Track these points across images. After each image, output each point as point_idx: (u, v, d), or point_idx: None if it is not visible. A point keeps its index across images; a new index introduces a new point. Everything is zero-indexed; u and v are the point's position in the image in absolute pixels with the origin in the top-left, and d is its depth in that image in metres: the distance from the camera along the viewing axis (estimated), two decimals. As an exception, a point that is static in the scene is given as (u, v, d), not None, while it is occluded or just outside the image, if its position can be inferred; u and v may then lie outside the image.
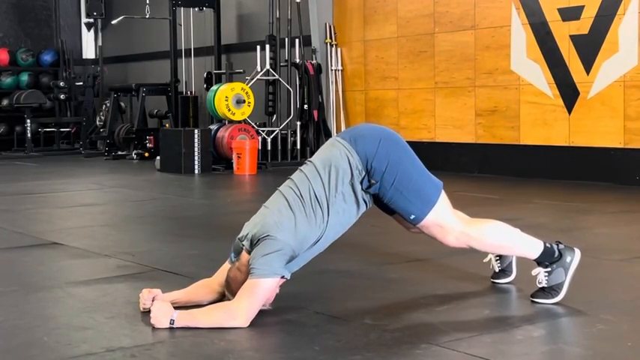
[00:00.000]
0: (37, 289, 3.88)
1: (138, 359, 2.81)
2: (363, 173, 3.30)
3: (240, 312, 3.10)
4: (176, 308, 3.19)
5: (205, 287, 3.44)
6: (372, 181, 3.31)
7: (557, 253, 3.44)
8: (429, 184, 3.40)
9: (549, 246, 3.46)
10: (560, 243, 3.50)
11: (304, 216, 3.24)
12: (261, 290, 3.12)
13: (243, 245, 3.26)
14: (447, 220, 3.38)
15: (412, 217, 3.37)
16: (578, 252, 3.48)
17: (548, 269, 3.43)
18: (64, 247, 5.01)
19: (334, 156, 3.33)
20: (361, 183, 3.32)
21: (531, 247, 3.47)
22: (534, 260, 3.47)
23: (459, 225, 3.40)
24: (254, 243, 3.21)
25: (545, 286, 3.43)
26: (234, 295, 3.25)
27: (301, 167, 3.42)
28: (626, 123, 7.94)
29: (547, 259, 3.44)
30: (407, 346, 2.90)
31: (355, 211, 3.36)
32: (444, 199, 3.39)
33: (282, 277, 3.18)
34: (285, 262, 3.18)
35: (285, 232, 3.20)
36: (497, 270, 3.81)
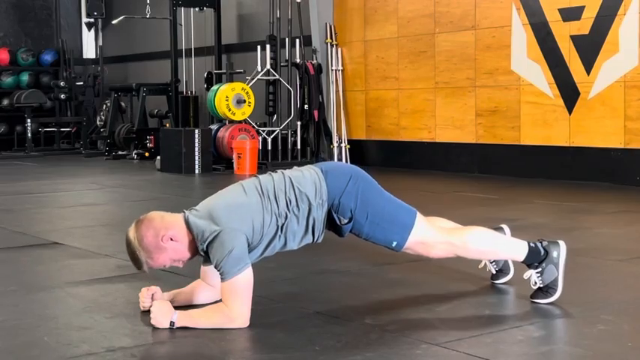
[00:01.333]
0: (37, 289, 3.88)
1: (138, 359, 2.81)
2: (325, 207, 3.31)
3: (235, 315, 3.10)
4: (175, 307, 3.19)
5: (204, 286, 3.44)
6: (343, 220, 3.32)
7: (542, 252, 3.45)
8: (402, 211, 3.41)
9: (534, 245, 3.47)
10: (544, 240, 3.51)
11: (260, 204, 3.24)
12: (242, 287, 3.11)
13: (187, 219, 3.22)
14: (428, 236, 3.40)
15: (394, 244, 3.38)
16: (563, 244, 3.48)
17: (539, 269, 3.44)
18: (64, 246, 5.01)
19: (304, 178, 3.35)
20: (331, 220, 3.32)
21: (516, 249, 3.48)
22: (523, 263, 3.48)
23: (441, 237, 3.42)
24: (204, 238, 3.16)
25: (541, 285, 3.44)
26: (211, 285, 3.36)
27: (271, 172, 3.43)
28: (626, 123, 7.94)
29: (535, 259, 3.44)
30: (407, 346, 2.90)
31: (300, 236, 3.34)
32: (420, 219, 3.40)
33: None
34: (247, 249, 3.16)
35: (236, 219, 3.17)
36: (494, 272, 3.82)
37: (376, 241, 3.40)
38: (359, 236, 3.41)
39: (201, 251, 3.23)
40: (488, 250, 3.54)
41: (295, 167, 3.49)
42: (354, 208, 3.32)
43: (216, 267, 3.14)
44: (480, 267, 3.85)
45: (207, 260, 3.32)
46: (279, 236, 3.29)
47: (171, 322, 3.10)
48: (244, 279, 3.11)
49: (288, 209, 3.27)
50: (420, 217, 3.40)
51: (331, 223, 3.36)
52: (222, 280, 3.11)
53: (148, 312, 3.22)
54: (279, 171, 3.44)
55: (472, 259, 3.64)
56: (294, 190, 3.30)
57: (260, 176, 3.41)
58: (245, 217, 3.20)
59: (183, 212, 3.28)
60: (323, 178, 3.34)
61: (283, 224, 3.27)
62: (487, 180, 8.73)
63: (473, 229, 3.52)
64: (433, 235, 3.41)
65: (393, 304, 3.56)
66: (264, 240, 3.26)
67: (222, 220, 3.17)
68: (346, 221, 3.33)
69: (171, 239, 3.19)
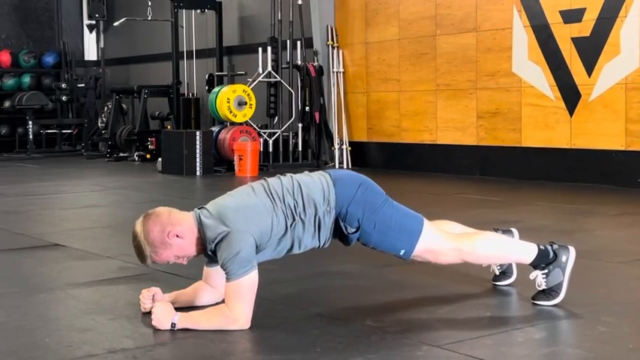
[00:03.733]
0: (38, 291, 3.88)
1: (139, 361, 2.82)
2: (332, 214, 3.31)
3: (236, 316, 3.10)
4: (176, 309, 3.19)
5: (205, 287, 3.45)
6: (350, 229, 3.32)
7: (552, 254, 3.45)
8: (410, 218, 3.41)
9: (543, 248, 3.46)
10: (554, 243, 3.50)
11: (269, 206, 3.24)
12: (246, 288, 3.11)
13: (199, 217, 3.23)
14: (436, 243, 3.39)
15: (402, 252, 3.38)
16: (572, 250, 3.48)
17: (545, 271, 3.44)
18: (65, 248, 5.01)
19: (312, 183, 3.35)
20: (338, 228, 3.32)
21: (525, 252, 3.48)
22: (530, 265, 3.48)
23: (449, 243, 3.41)
24: (213, 237, 3.17)
25: (545, 287, 3.44)
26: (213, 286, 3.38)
27: (280, 175, 3.43)
28: (627, 125, 7.94)
29: (543, 261, 3.44)
30: (408, 348, 2.90)
31: (306, 241, 3.34)
32: (427, 226, 3.40)
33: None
34: (255, 252, 3.17)
35: (245, 221, 3.18)
36: (497, 273, 3.81)
37: (384, 250, 3.40)
38: (366, 245, 3.40)
39: (209, 251, 3.23)
40: (497, 255, 3.54)
41: (306, 172, 3.49)
42: (362, 217, 3.32)
43: (222, 267, 3.15)
44: (483, 266, 3.84)
45: (211, 261, 3.33)
46: (288, 237, 3.28)
47: (172, 323, 3.11)
48: (249, 281, 3.11)
49: (295, 212, 3.27)
50: (427, 225, 3.40)
51: (338, 232, 3.36)
52: (228, 280, 3.12)
53: (149, 313, 3.23)
54: (288, 174, 3.44)
55: (481, 264, 3.63)
56: (302, 194, 3.30)
57: (269, 179, 3.40)
58: (254, 218, 3.20)
59: (194, 211, 3.28)
60: (332, 186, 3.34)
61: (291, 225, 3.27)
62: (488, 182, 8.73)
63: (481, 234, 3.51)
64: (441, 242, 3.40)
65: (394, 305, 3.56)
66: (273, 240, 3.26)
67: (232, 221, 3.17)
68: (353, 230, 3.33)
69: (177, 236, 3.20)
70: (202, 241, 3.23)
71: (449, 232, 3.54)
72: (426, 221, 3.41)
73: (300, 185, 3.33)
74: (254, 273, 3.13)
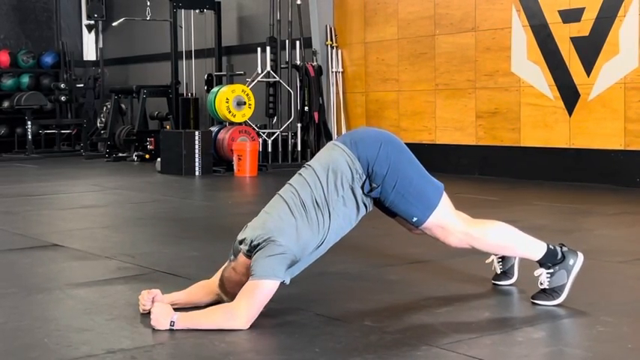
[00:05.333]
0: (37, 291, 3.88)
1: (138, 361, 2.82)
2: (364, 177, 3.31)
3: (240, 313, 3.09)
4: (176, 310, 3.19)
5: (205, 288, 3.44)
6: (374, 185, 3.31)
7: (560, 255, 3.44)
8: (430, 186, 3.40)
9: (552, 248, 3.46)
10: (564, 245, 3.50)
11: (306, 221, 3.24)
12: (262, 292, 3.11)
13: (241, 249, 3.26)
14: (449, 221, 3.38)
15: (414, 219, 3.37)
16: (581, 256, 3.48)
17: (551, 271, 3.43)
18: (64, 248, 5.01)
19: (334, 159, 3.33)
20: (362, 187, 3.32)
21: (534, 248, 3.47)
22: (537, 261, 3.47)
23: (461, 225, 3.40)
24: (254, 246, 3.19)
25: (547, 287, 3.43)
26: (227, 294, 3.28)
27: (300, 171, 3.41)
28: (626, 125, 7.94)
29: (550, 260, 3.44)
30: (407, 348, 2.90)
31: (355, 214, 3.36)
32: (445, 201, 3.39)
33: (282, 281, 3.17)
34: (287, 267, 3.17)
35: (287, 237, 3.19)
36: (498, 272, 3.81)
37: (398, 212, 3.39)
38: (383, 203, 3.37)
39: (246, 252, 3.22)
40: (506, 246, 3.52)
41: (320, 152, 3.45)
42: (386, 175, 3.30)
43: (252, 263, 3.14)
44: (487, 262, 3.84)
45: (236, 256, 3.30)
46: (333, 230, 3.28)
47: (171, 322, 3.10)
48: (267, 286, 3.11)
49: (329, 207, 3.25)
50: (445, 200, 3.39)
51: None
52: (251, 277, 3.12)
53: (148, 314, 3.22)
54: (307, 166, 3.39)
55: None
56: (328, 179, 3.28)
57: (294, 183, 3.35)
58: (293, 235, 3.20)
59: (241, 251, 3.26)
60: (352, 151, 3.31)
61: (329, 225, 3.26)
62: (487, 182, 8.73)
63: (494, 222, 3.51)
64: (454, 222, 3.39)
65: (393, 305, 3.55)
66: (310, 248, 3.26)
67: (276, 235, 3.18)
68: (376, 186, 3.32)
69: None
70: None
71: (463, 216, 3.51)
72: (445, 195, 3.40)
73: (325, 172, 3.29)
74: (275, 283, 3.12)
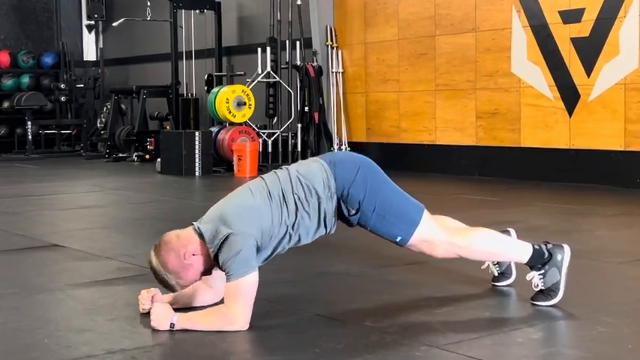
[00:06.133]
0: (37, 292, 3.88)
1: (138, 361, 2.82)
2: (334, 198, 3.31)
3: (235, 316, 3.10)
4: (175, 310, 3.19)
5: (203, 288, 3.45)
6: (351, 210, 3.32)
7: (547, 254, 3.45)
8: (410, 206, 3.41)
9: (538, 247, 3.47)
10: (548, 243, 3.51)
11: (268, 206, 3.24)
12: (246, 289, 3.11)
13: (198, 229, 3.22)
14: (432, 234, 3.39)
15: (399, 239, 3.38)
16: (567, 248, 3.48)
17: (542, 271, 3.44)
18: (64, 249, 5.01)
19: (311, 170, 3.35)
20: (337, 210, 3.32)
21: (520, 251, 3.48)
22: (526, 265, 3.48)
23: (445, 236, 3.41)
24: (215, 241, 3.16)
25: (543, 288, 3.44)
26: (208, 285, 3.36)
27: (276, 170, 3.42)
28: (626, 126, 7.94)
29: (538, 261, 3.45)
30: (407, 349, 2.90)
31: (314, 231, 3.35)
32: (427, 216, 3.40)
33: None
34: (255, 253, 3.17)
35: (246, 223, 3.17)
36: (496, 274, 3.81)
37: (381, 234, 3.40)
38: (365, 227, 3.39)
39: (212, 253, 3.22)
40: (492, 252, 3.54)
41: (300, 161, 3.49)
42: (363, 199, 3.31)
43: (222, 267, 3.14)
44: (482, 268, 3.85)
45: (215, 264, 3.31)
46: (291, 235, 3.29)
47: (171, 323, 3.10)
48: (249, 281, 3.10)
49: (297, 207, 3.27)
50: (426, 215, 3.40)
51: (340, 214, 3.36)
52: (228, 280, 3.11)
53: (147, 314, 3.23)
54: (283, 167, 3.43)
55: (471, 261, 3.64)
56: (301, 185, 3.29)
57: (265, 177, 3.39)
58: (254, 220, 3.20)
59: (192, 225, 3.28)
60: (330, 170, 3.33)
61: (294, 223, 3.27)
62: (487, 182, 8.73)
63: (478, 230, 3.52)
64: (438, 235, 3.40)
65: (393, 306, 3.56)
66: (274, 241, 3.26)
67: (232, 223, 3.17)
68: (354, 212, 3.33)
69: (193, 254, 3.19)
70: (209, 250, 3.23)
71: (448, 226, 3.54)
72: (425, 211, 3.41)
73: (298, 177, 3.32)
74: (254, 274, 3.13)
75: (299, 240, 3.34)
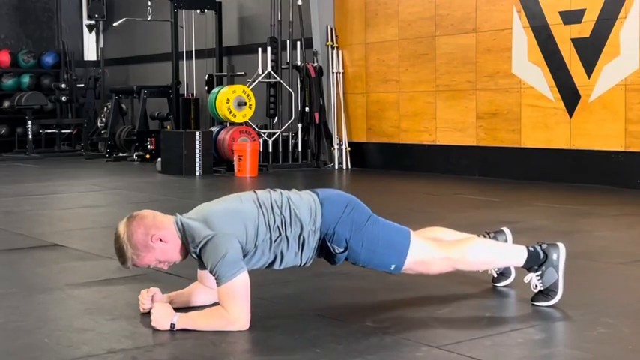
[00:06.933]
0: (38, 291, 3.88)
1: (139, 361, 2.82)
2: (318, 233, 3.31)
3: (234, 318, 3.09)
4: (175, 309, 3.19)
5: (202, 287, 3.45)
6: (339, 249, 3.32)
7: (542, 255, 3.45)
8: (397, 234, 3.40)
9: (533, 249, 3.47)
10: (543, 243, 3.51)
11: (255, 214, 3.24)
12: (239, 289, 3.10)
13: (180, 222, 3.22)
14: (424, 253, 3.39)
15: (392, 267, 3.38)
16: (562, 246, 3.48)
17: (539, 272, 3.44)
18: (65, 248, 5.01)
19: (302, 201, 3.35)
20: (324, 248, 3.32)
21: (515, 255, 3.48)
22: (523, 267, 3.48)
23: (438, 252, 3.41)
24: (196, 240, 3.17)
25: (542, 288, 3.44)
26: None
27: (270, 189, 3.43)
28: (627, 126, 7.94)
29: (534, 263, 3.45)
30: (407, 349, 2.91)
31: (287, 259, 3.32)
32: (415, 239, 3.40)
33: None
34: (240, 253, 3.16)
35: (229, 224, 3.17)
36: (495, 275, 3.82)
37: (374, 267, 3.41)
38: (355, 264, 3.41)
39: (193, 254, 3.23)
40: (487, 260, 3.53)
41: (294, 190, 3.49)
42: (349, 237, 3.32)
43: (211, 271, 3.14)
44: (480, 271, 3.84)
45: (202, 264, 3.32)
46: (271, 250, 3.28)
47: (171, 323, 3.11)
48: (240, 282, 3.10)
49: (281, 228, 3.27)
50: (414, 237, 3.40)
51: (324, 251, 3.36)
52: (218, 284, 3.11)
53: (148, 314, 3.23)
54: (277, 190, 3.44)
55: (472, 270, 3.64)
56: (289, 211, 3.30)
57: (258, 191, 3.41)
58: (239, 223, 3.20)
59: (175, 216, 3.28)
60: (319, 206, 3.34)
61: (276, 239, 3.27)
62: (487, 183, 8.73)
63: (470, 241, 3.51)
64: (431, 252, 3.40)
65: (393, 306, 3.56)
66: (258, 250, 3.25)
67: (216, 224, 3.17)
68: (341, 250, 3.33)
69: (161, 240, 3.19)
70: (185, 247, 3.22)
71: (438, 239, 3.54)
72: (412, 234, 3.41)
73: (288, 202, 3.33)
74: (244, 273, 3.12)
75: (273, 262, 3.32)
